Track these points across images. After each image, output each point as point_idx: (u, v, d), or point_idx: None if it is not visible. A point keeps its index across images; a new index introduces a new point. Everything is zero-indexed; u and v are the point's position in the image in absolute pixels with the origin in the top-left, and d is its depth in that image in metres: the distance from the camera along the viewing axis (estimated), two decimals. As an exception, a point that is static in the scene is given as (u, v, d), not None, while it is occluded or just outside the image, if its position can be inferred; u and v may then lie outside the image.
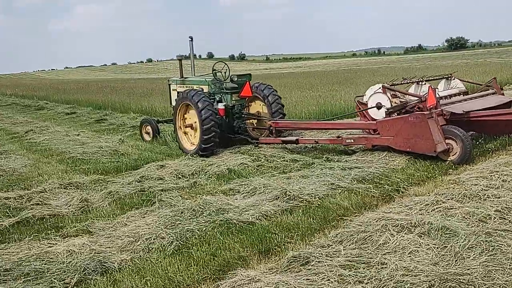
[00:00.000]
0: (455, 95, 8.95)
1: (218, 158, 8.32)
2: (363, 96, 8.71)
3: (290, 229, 4.78)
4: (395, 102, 7.85)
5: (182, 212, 5.35)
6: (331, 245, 4.22)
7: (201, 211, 5.35)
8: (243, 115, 9.25)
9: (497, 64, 30.44)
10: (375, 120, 8.05)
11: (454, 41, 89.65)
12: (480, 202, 5.01)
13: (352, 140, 7.75)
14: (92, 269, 3.96)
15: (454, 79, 9.44)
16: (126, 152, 9.36)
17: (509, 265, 3.53)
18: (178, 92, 10.41)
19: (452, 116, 7.20)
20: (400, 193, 5.78)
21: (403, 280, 3.36)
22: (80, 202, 6.11)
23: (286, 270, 3.82)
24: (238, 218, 5.07)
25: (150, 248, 4.45)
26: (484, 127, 7.48)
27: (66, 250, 4.36)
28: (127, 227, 5.09)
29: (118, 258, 4.22)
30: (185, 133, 9.20)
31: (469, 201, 5.12)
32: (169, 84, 10.82)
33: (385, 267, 3.60)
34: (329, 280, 3.54)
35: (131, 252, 4.39)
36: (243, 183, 6.54)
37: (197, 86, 9.66)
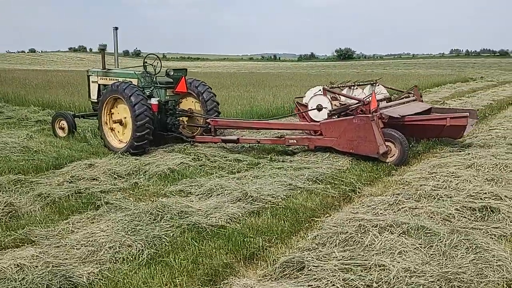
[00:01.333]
0: (381, 100, 9.42)
1: (152, 157, 7.74)
2: (302, 97, 8.76)
3: (264, 232, 4.52)
4: (335, 105, 8.00)
5: (139, 216, 4.80)
6: (317, 248, 4.08)
7: (161, 214, 4.85)
8: (177, 112, 8.74)
9: (387, 74, 33.20)
10: (315, 121, 8.14)
11: (342, 51, 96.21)
12: (438, 202, 5.24)
13: (295, 141, 7.73)
14: (58, 286, 3.31)
15: (378, 85, 9.94)
16: (40, 149, 8.28)
17: (496, 261, 3.68)
18: (100, 85, 9.54)
19: (390, 120, 7.53)
20: (357, 193, 5.85)
21: (413, 282, 3.32)
22: (5, 207, 5.19)
23: (283, 276, 3.59)
24: (206, 221, 4.69)
25: (118, 258, 3.89)
26: (414, 131, 7.95)
27: (14, 265, 3.61)
28: (77, 234, 4.41)
29: (83, 271, 3.60)
30: (112, 129, 8.43)
31: (426, 201, 5.33)
32: (88, 76, 9.84)
33: (387, 269, 3.54)
34: (334, 285, 3.37)
35: (96, 263, 3.79)
36: (192, 184, 6.13)
37: (124, 79, 8.89)
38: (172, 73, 8.51)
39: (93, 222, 4.76)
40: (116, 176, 6.68)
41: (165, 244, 4.20)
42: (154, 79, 8.55)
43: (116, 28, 9.50)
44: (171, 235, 4.40)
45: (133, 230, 4.45)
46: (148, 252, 3.99)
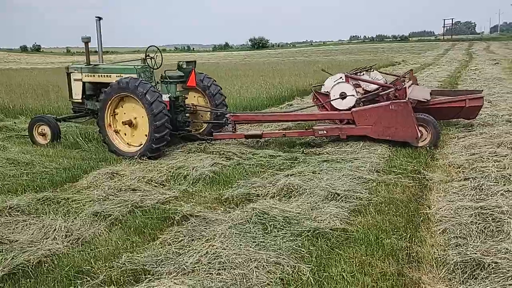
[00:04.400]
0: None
1: (175, 160, 7.01)
2: (319, 85, 8.47)
3: (387, 230, 4.22)
4: (359, 92, 7.84)
5: (246, 228, 4.24)
6: (457, 243, 3.86)
7: (267, 223, 4.33)
8: (187, 108, 8.01)
9: (319, 62, 34.00)
10: (337, 110, 7.92)
11: (256, 40, 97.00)
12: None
13: (324, 131, 7.44)
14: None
15: (373, 71, 9.98)
16: (30, 161, 7.09)
17: None
18: (85, 83, 8.44)
19: (418, 104, 7.54)
20: (428, 180, 5.74)
21: None
22: (66, 234, 4.32)
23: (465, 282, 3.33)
24: (323, 226, 4.26)
25: (283, 279, 3.35)
26: (436, 113, 8.05)
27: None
28: (192, 257, 3.73)
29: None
30: (117, 131, 7.50)
31: (504, 182, 5.36)
32: (69, 73, 8.64)
33: None
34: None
35: (260, 290, 3.22)
36: (253, 185, 5.62)
37: (118, 75, 7.93)
38: (185, 66, 7.74)
39: (194, 240, 4.09)
40: (156, 184, 5.96)
41: (309, 256, 3.72)
42: (164, 74, 7.73)
43: (100, 18, 8.45)
44: (301, 244, 3.92)
45: (258, 244, 3.90)
46: (305, 268, 3.49)
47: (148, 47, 8.05)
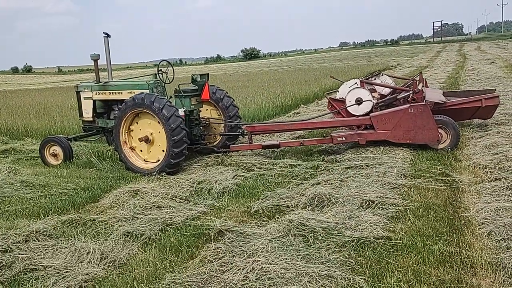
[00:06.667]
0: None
1: (194, 174, 6.89)
2: (333, 92, 8.40)
3: (432, 236, 4.13)
4: (375, 97, 7.78)
5: (286, 241, 4.12)
6: None
7: (307, 235, 4.23)
8: (202, 121, 7.91)
9: (315, 69, 34.08)
10: (353, 115, 7.85)
11: (248, 51, 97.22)
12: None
13: (343, 138, 7.36)
14: None
15: (382, 75, 9.94)
16: (45, 183, 6.94)
17: None
18: (95, 101, 8.32)
19: (434, 106, 7.49)
20: (458, 182, 5.66)
21: None
22: (101, 257, 4.17)
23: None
24: (366, 235, 4.15)
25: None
26: (452, 115, 8.00)
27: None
28: (238, 275, 3.62)
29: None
30: (133, 148, 7.38)
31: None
32: (79, 92, 8.52)
33: None
34: None
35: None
36: (281, 196, 5.51)
37: (130, 91, 7.83)
38: (199, 79, 7.65)
39: (235, 256, 3.96)
40: (180, 200, 5.83)
41: (359, 267, 3.61)
42: (178, 88, 7.63)
43: (108, 36, 8.35)
44: (348, 255, 3.81)
45: (304, 257, 3.79)
46: (359, 279, 3.37)
47: (160, 62, 7.97)
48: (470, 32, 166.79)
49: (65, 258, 4.18)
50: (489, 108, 7.92)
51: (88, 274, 3.85)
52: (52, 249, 4.41)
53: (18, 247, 4.36)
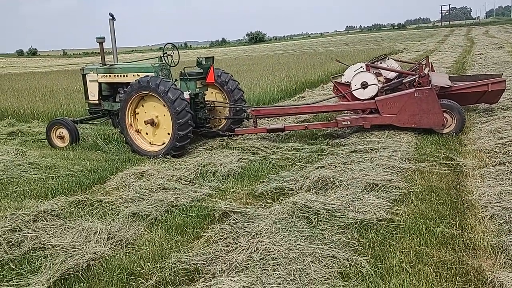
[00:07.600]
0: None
1: (199, 157, 6.94)
2: (339, 76, 8.39)
3: (434, 218, 4.16)
4: (380, 81, 7.75)
5: (291, 222, 4.17)
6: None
7: (310, 216, 4.27)
8: (207, 105, 7.93)
9: (321, 53, 33.84)
10: (358, 99, 7.84)
11: (253, 35, 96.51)
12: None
13: (348, 122, 7.36)
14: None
15: (388, 59, 9.88)
16: (52, 165, 7.03)
17: None
18: (101, 84, 8.34)
19: (440, 90, 7.46)
20: (462, 166, 5.67)
21: None
22: (108, 237, 4.25)
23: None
24: (369, 217, 4.20)
25: (346, 273, 3.29)
26: (458, 99, 7.97)
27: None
28: (242, 254, 3.68)
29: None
30: (138, 131, 7.43)
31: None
32: (84, 75, 8.54)
33: None
34: None
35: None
36: (285, 179, 5.55)
37: (136, 74, 7.84)
38: (204, 63, 7.65)
39: (240, 237, 4.02)
40: (186, 182, 5.89)
41: (362, 248, 3.67)
42: (183, 71, 7.64)
43: (113, 18, 8.32)
44: (351, 237, 3.86)
45: (307, 238, 3.85)
46: (362, 260, 3.43)
47: (165, 44, 7.96)
48: (479, 16, 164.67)
49: (73, 238, 4.26)
50: (495, 93, 7.88)
51: (95, 253, 3.92)
52: (60, 228, 4.49)
53: (27, 226, 4.43)
